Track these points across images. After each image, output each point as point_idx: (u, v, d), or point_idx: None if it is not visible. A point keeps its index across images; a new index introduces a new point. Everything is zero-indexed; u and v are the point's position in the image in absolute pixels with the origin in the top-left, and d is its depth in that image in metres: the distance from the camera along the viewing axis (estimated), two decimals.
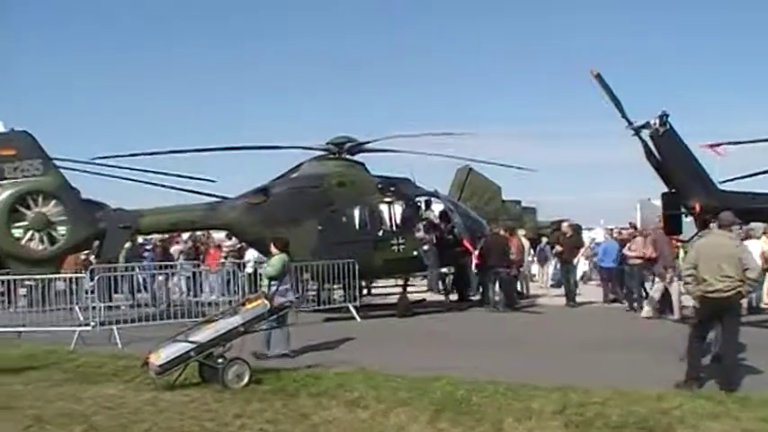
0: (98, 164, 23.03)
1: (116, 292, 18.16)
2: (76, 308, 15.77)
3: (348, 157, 20.17)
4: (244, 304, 10.79)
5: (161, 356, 9.63)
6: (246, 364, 9.87)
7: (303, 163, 20.01)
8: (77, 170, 21.53)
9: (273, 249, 12.65)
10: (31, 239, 15.93)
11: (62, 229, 16.29)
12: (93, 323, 14.15)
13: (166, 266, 20.07)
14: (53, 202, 16.13)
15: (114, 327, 13.98)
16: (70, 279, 16.40)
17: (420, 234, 18.63)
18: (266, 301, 10.63)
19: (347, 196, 18.66)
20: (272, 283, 11.97)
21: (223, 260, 22.04)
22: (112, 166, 23.41)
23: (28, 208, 15.94)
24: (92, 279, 14.61)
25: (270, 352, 12.17)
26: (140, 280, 19.45)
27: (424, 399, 8.72)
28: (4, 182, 15.91)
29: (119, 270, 17.42)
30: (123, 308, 16.29)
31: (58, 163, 17.04)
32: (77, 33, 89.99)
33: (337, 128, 26.59)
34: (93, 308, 14.26)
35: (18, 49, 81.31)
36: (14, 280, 16.26)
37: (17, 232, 15.96)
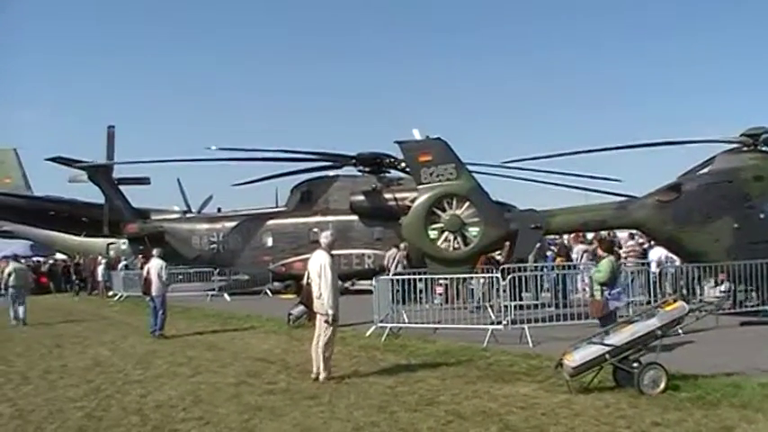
0: (506, 167, 23.73)
1: (524, 291, 18.19)
2: (488, 307, 16.00)
3: (764, 149, 17.82)
4: (662, 306, 9.83)
5: (575, 358, 9.17)
6: (663, 370, 9.10)
7: (714, 157, 18.20)
8: (487, 173, 22.32)
9: (600, 252, 12.46)
10: (446, 240, 16.63)
11: (475, 230, 16.75)
12: (504, 322, 14.21)
13: (570, 266, 19.62)
14: (466, 204, 16.65)
15: (525, 326, 13.86)
16: (483, 279, 16.73)
17: None
18: (685, 304, 9.61)
19: (765, 191, 16.51)
20: (604, 288, 11.71)
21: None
22: (519, 169, 24.02)
23: (443, 210, 16.66)
24: (503, 279, 14.68)
25: None
26: (545, 279, 19.29)
27: None
28: (422, 186, 16.86)
29: (527, 270, 17.40)
30: (531, 307, 16.16)
31: (469, 167, 17.63)
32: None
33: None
34: (505, 307, 14.31)
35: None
36: (431, 279, 17.04)
37: (433, 233, 16.78)
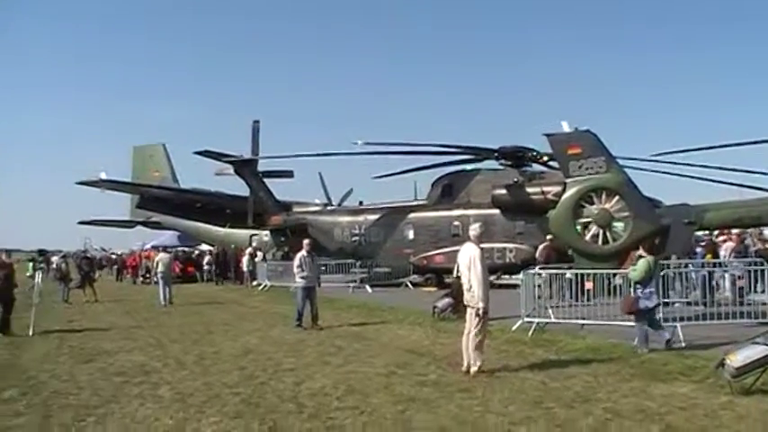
0: (655, 161, 22.87)
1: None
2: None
3: None
4: None
5: (738, 359, 8.75)
6: None
7: None
8: (637, 168, 21.58)
9: (640, 252, 12.69)
10: (594, 235, 16.27)
11: (624, 225, 16.31)
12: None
13: (717, 264, 18.66)
14: (616, 198, 16.24)
15: (678, 324, 13.34)
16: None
17: None
18: None
19: None
20: (637, 286, 12.32)
21: None
22: (670, 162, 23.09)
23: (592, 204, 16.31)
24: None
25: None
26: (693, 277, 18.44)
27: None
28: (570, 179, 16.57)
29: (671, 267, 16.72)
30: (678, 305, 15.51)
31: (618, 160, 17.16)
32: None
33: None
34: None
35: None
36: (582, 274, 16.66)
37: (580, 227, 16.47)
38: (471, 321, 10.46)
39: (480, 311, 10.28)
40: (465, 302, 10.60)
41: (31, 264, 32.74)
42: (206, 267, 41.44)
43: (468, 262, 10.34)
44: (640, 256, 12.86)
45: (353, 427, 7.69)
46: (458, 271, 10.69)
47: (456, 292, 11.06)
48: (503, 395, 8.92)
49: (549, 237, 21.96)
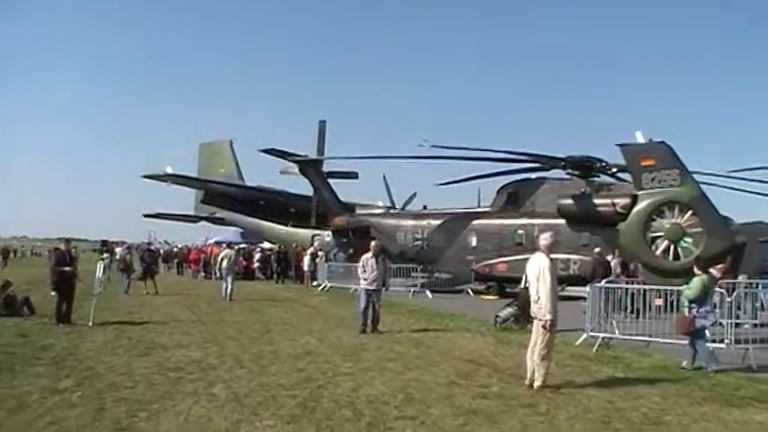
0: (732, 177, 22.12)
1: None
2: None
3: None
4: None
5: None
6: None
7: None
8: (712, 183, 20.89)
9: (696, 270, 12.38)
10: (665, 249, 15.80)
11: (695, 241, 15.80)
12: (727, 340, 13.22)
13: None
14: (689, 212, 15.75)
15: (750, 347, 12.81)
16: None
17: None
18: None
19: None
20: (692, 305, 12.02)
21: None
22: (746, 180, 22.29)
23: (663, 218, 15.84)
24: (728, 295, 13.63)
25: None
26: (762, 297, 17.72)
27: None
28: (642, 191, 16.12)
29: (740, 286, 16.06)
30: (747, 326, 14.88)
31: (693, 174, 16.63)
32: None
33: None
34: (723, 324, 13.30)
35: None
36: (646, 290, 16.15)
37: (652, 242, 16.01)
38: (537, 334, 10.18)
39: (548, 324, 9.98)
40: (531, 314, 10.32)
41: (103, 256, 33.35)
42: (257, 265, 41.72)
43: (538, 272, 10.02)
44: (695, 274, 12.48)
45: None
46: (526, 281, 10.39)
47: (523, 302, 10.71)
48: (568, 413, 8.60)
49: (596, 250, 21.58)
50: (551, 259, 10.24)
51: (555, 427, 7.96)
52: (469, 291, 30.12)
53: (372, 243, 17.58)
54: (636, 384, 10.53)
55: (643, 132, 16.72)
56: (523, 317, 13.31)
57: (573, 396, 9.61)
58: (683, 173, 16.01)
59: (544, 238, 10.46)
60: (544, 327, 10.00)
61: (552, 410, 8.71)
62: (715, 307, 12.99)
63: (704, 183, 17.11)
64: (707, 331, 12.33)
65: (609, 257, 21.61)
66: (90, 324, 16.55)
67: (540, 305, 9.98)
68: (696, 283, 12.14)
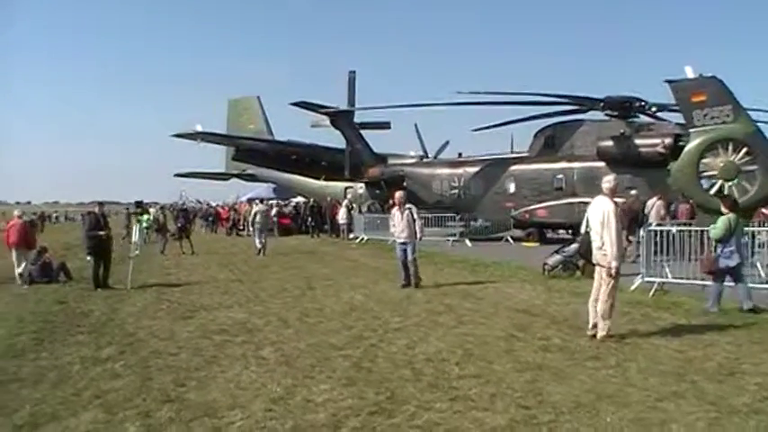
0: None
1: None
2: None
3: None
4: None
5: None
6: None
7: None
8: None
9: (723, 209, 11.96)
10: (719, 189, 15.15)
11: (753, 180, 15.11)
12: None
13: None
14: (744, 150, 15.03)
15: None
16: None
17: None
18: None
19: None
20: (718, 244, 11.76)
21: None
22: None
23: (717, 156, 15.16)
24: None
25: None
26: None
27: None
28: (694, 129, 15.41)
29: None
30: None
31: (748, 110, 15.86)
32: None
33: None
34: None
35: None
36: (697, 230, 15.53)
37: (705, 182, 15.36)
38: (600, 281, 9.68)
39: (613, 271, 9.46)
40: (594, 261, 9.80)
41: (145, 217, 33.29)
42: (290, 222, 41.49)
43: (602, 217, 9.42)
44: (722, 213, 11.96)
45: (480, 399, 6.94)
46: (587, 225, 9.84)
47: (584, 248, 10.17)
48: (639, 365, 8.09)
49: (632, 192, 21.18)
50: (616, 203, 9.69)
51: (629, 381, 7.43)
52: (509, 238, 29.63)
53: (396, 194, 16.80)
54: (703, 332, 10.01)
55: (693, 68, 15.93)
56: (585, 265, 12.80)
57: (640, 346, 9.12)
58: (737, 108, 15.22)
59: (607, 181, 9.83)
60: (609, 274, 9.49)
61: (622, 363, 8.22)
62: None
63: (760, 121, 16.35)
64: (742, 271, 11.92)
65: (653, 200, 20.99)
66: (128, 288, 16.34)
67: (605, 251, 9.44)
68: (722, 222, 11.75)
